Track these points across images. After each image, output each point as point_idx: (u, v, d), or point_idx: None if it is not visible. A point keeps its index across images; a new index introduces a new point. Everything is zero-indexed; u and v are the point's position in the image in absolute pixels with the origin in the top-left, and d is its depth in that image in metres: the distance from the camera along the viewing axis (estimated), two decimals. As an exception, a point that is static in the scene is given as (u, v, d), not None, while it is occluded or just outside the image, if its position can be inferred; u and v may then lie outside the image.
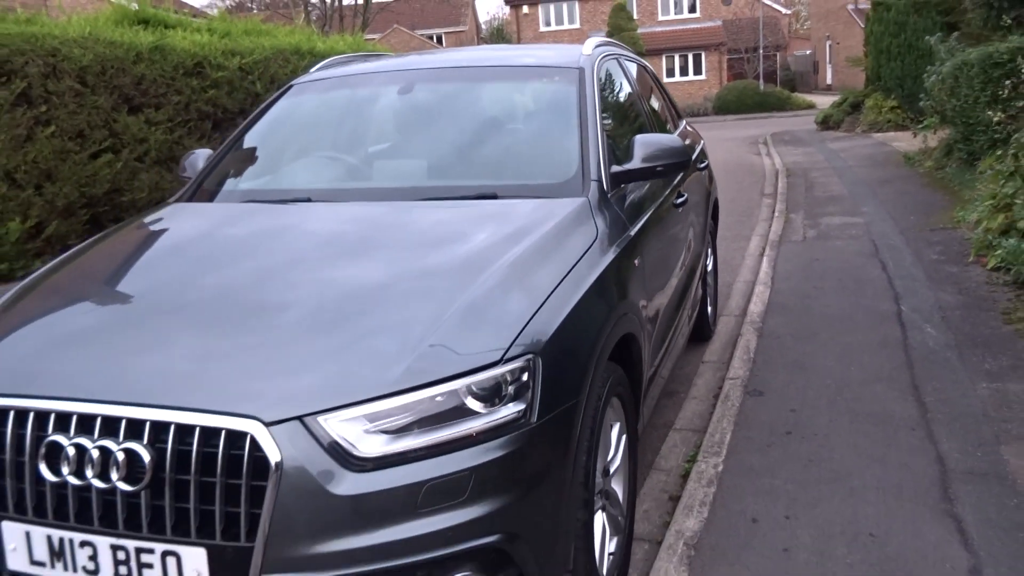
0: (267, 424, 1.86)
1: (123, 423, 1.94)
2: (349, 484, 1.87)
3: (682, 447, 3.67)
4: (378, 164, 3.35)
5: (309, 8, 24.27)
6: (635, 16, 36.08)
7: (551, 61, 3.58)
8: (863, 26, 36.44)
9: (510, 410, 2.02)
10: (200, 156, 3.67)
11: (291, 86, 3.85)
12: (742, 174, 13.25)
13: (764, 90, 32.32)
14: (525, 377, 2.06)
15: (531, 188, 2.95)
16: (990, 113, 8.34)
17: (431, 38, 47.23)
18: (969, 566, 2.52)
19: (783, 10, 49.10)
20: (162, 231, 3.04)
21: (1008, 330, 4.58)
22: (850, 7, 38.81)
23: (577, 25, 39.77)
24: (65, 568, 2.01)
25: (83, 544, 1.97)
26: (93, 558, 1.97)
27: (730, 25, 37.53)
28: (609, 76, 3.69)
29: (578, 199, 2.83)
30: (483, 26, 58.07)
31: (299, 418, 1.88)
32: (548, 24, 40.05)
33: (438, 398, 1.96)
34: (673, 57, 37.88)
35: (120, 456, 1.91)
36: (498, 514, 1.97)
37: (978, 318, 4.81)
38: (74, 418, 1.98)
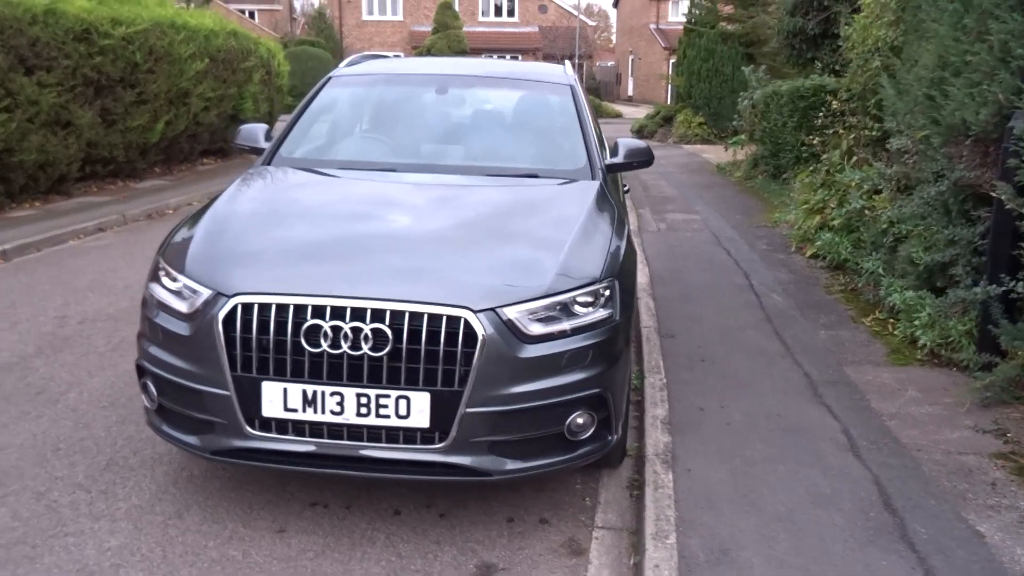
0: (475, 312, 2.92)
1: (368, 312, 2.91)
2: (522, 351, 2.96)
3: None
4: (436, 147, 4.36)
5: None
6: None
7: (548, 77, 4.75)
8: (664, 45, 40.06)
9: (604, 312, 3.18)
10: (258, 129, 4.50)
11: (330, 78, 4.75)
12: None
13: (577, 96, 34.69)
14: (609, 292, 3.23)
15: (558, 172, 4.12)
16: (800, 135, 10.36)
17: (243, 12, 46.12)
18: (840, 428, 3.98)
19: (589, 22, 52.27)
20: (301, 183, 3.96)
21: (830, 298, 6.28)
22: (652, 27, 42.30)
23: (400, 17, 40.50)
24: (315, 411, 2.94)
25: (333, 394, 2.92)
26: (340, 403, 2.93)
27: (547, 32, 39.82)
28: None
29: (595, 182, 4.04)
30: (296, 6, 56.95)
31: (492, 309, 2.95)
32: (371, 13, 40.45)
33: (566, 301, 3.09)
34: (492, 58, 39.53)
35: (368, 333, 2.89)
36: (600, 375, 3.14)
37: (807, 290, 6.51)
38: (328, 309, 2.92)
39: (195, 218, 3.63)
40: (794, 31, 12.34)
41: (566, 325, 3.06)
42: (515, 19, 40.80)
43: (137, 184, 11.81)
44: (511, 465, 3.03)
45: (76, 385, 4.58)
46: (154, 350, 3.18)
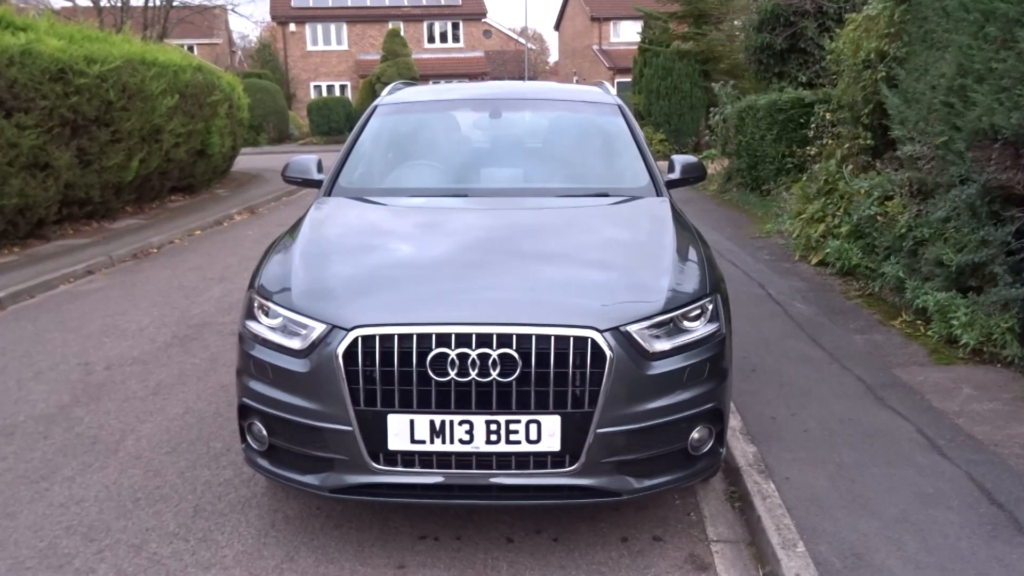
0: (600, 331, 2.92)
1: (494, 337, 2.88)
2: (647, 368, 2.97)
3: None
4: (499, 171, 4.36)
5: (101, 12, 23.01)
6: (402, 42, 37.53)
7: (593, 97, 4.80)
8: (608, 65, 40.71)
9: (713, 326, 3.21)
10: (309, 161, 4.46)
11: (376, 107, 4.72)
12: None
13: (528, 119, 35.02)
14: (713, 307, 3.27)
15: (624, 190, 4.16)
16: (780, 148, 10.62)
17: (182, 46, 45.49)
18: (915, 429, 4.06)
19: (530, 45, 52.83)
20: (379, 212, 3.95)
21: (851, 303, 6.43)
22: (595, 47, 42.94)
23: (345, 47, 40.38)
24: (443, 442, 2.90)
25: (462, 422, 2.89)
26: (469, 431, 2.89)
27: (495, 56, 40.15)
28: (626, 111, 4.99)
29: (664, 199, 4.09)
30: (237, 41, 56.43)
31: (617, 328, 2.95)
32: (316, 44, 40.27)
33: (678, 317, 3.12)
34: (440, 84, 39.73)
35: (496, 359, 2.86)
36: (715, 389, 3.16)
37: (826, 296, 6.65)
38: (452, 337, 2.89)
39: (280, 252, 3.56)
40: (761, 46, 12.71)
41: (682, 340, 3.08)
42: (460, 44, 41.03)
43: (112, 224, 11.52)
44: (637, 484, 3.02)
45: (129, 432, 4.43)
46: (262, 388, 3.11)
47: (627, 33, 41.70)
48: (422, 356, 2.87)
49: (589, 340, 2.89)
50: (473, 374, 2.86)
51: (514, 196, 4.07)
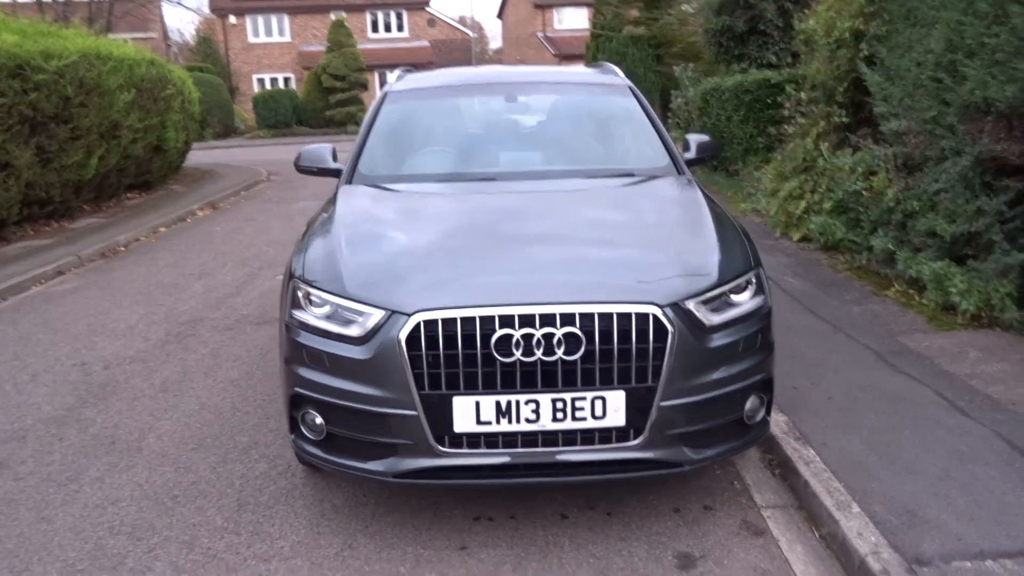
0: (661, 307, 2.95)
1: (557, 316, 2.89)
2: (706, 341, 3.02)
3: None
4: (522, 154, 4.36)
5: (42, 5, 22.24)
6: (346, 33, 37.07)
7: (604, 80, 4.82)
8: (553, 52, 40.81)
9: (760, 299, 3.27)
10: (323, 150, 4.40)
11: (387, 94, 4.67)
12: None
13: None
14: (757, 280, 3.32)
15: (647, 170, 4.19)
16: (748, 128, 10.79)
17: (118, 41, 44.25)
18: (934, 392, 4.19)
19: (471, 33, 52.62)
20: (412, 197, 3.94)
21: (840, 276, 6.59)
22: (539, 35, 43.00)
23: (288, 38, 39.75)
24: (510, 422, 2.91)
25: (528, 402, 2.90)
26: (535, 410, 2.91)
27: (442, 44, 39.93)
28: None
29: (688, 177, 4.14)
30: (172, 34, 55.02)
31: (676, 303, 2.98)
32: (257, 36, 39.56)
33: (729, 291, 3.17)
34: (385, 73, 39.34)
35: (561, 337, 2.87)
36: (765, 359, 3.23)
37: (815, 270, 6.80)
38: (515, 318, 2.89)
39: (319, 240, 3.50)
40: (721, 29, 12.88)
41: (734, 313, 3.13)
42: (405, 34, 40.71)
43: (72, 224, 11.18)
44: (696, 455, 3.07)
45: (148, 431, 4.33)
46: (318, 377, 3.06)
47: (571, 20, 41.88)
48: (486, 338, 2.87)
49: (651, 316, 2.92)
50: (538, 354, 2.86)
51: (541, 179, 4.07)
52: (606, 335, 2.89)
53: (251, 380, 5.03)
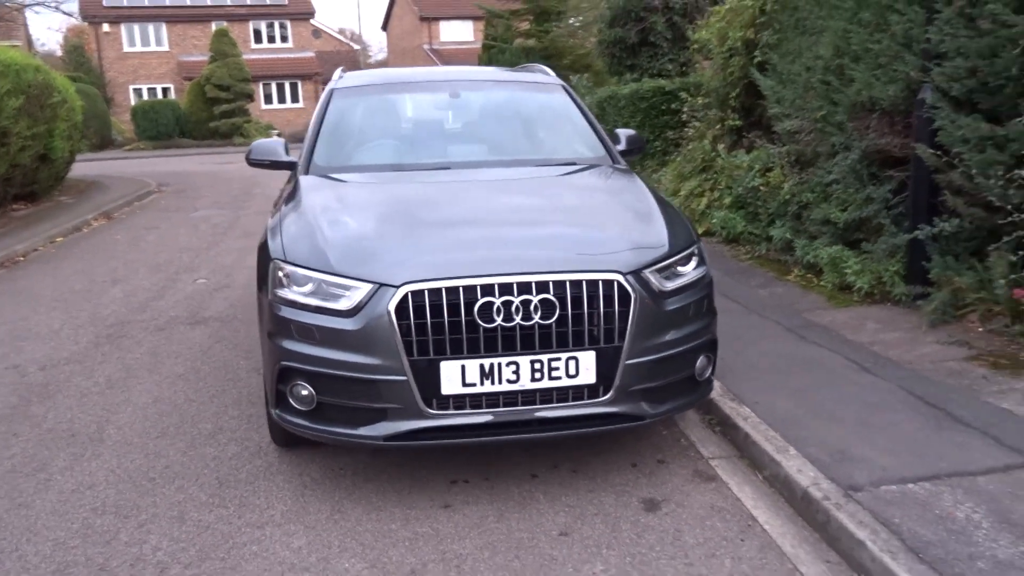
0: (624, 275, 3.29)
1: (533, 284, 3.19)
2: (662, 305, 3.38)
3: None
4: (472, 146, 4.62)
5: None
6: (228, 42, 36.27)
7: (539, 79, 5.16)
8: (440, 64, 41.11)
9: (703, 270, 3.66)
10: (275, 144, 4.56)
11: (333, 91, 4.85)
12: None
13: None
14: (699, 253, 3.72)
15: (588, 160, 4.55)
16: (644, 133, 11.38)
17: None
18: (843, 357, 4.71)
19: (354, 45, 52.34)
20: (375, 183, 4.14)
21: (745, 264, 7.16)
22: (425, 47, 43.26)
23: (166, 48, 38.51)
24: (492, 382, 3.19)
25: (509, 363, 3.18)
26: (516, 372, 3.19)
27: (330, 56, 39.55)
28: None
29: (625, 165, 4.52)
30: (35, 42, 52.27)
31: (635, 272, 3.33)
32: (133, 45, 38.14)
33: (676, 262, 3.54)
34: (270, 85, 38.78)
35: (537, 303, 3.17)
36: (710, 323, 3.63)
37: (721, 261, 7.34)
38: (495, 286, 3.16)
39: (292, 225, 3.65)
40: (614, 41, 13.50)
41: (683, 281, 3.51)
42: (290, 44, 40.11)
43: (-43, 236, 10.68)
44: (654, 409, 3.42)
45: (105, 423, 4.36)
46: (308, 350, 3.24)
47: (457, 33, 42.38)
48: (469, 305, 3.13)
49: (615, 283, 3.26)
50: (517, 319, 3.15)
51: (492, 167, 4.36)
52: (577, 300, 3.21)
53: (198, 375, 5.08)
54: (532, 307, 3.16)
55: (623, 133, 4.88)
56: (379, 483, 3.59)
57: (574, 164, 4.48)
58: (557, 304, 3.17)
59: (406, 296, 3.13)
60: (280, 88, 38.92)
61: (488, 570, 2.93)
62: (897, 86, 5.42)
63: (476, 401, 3.20)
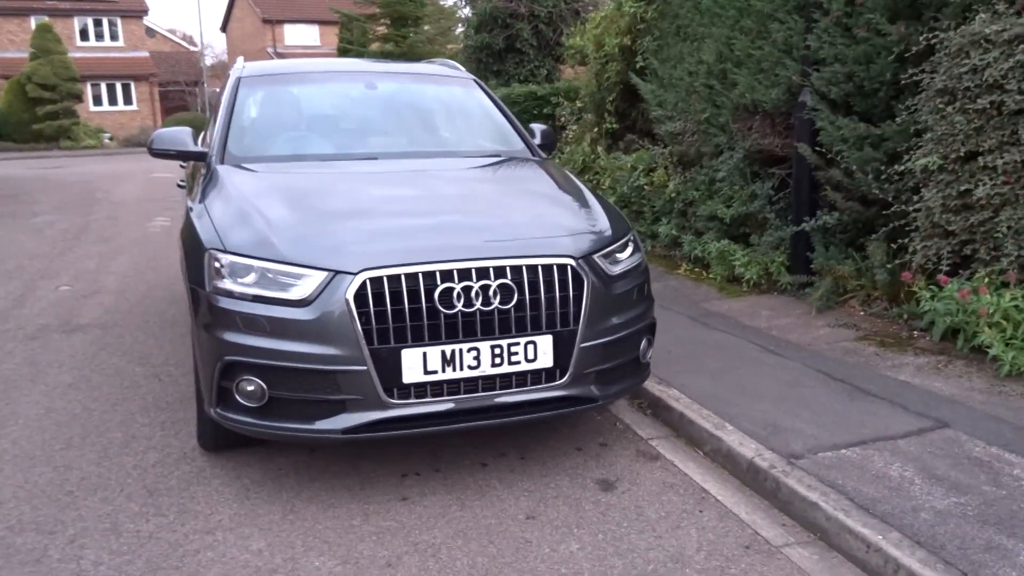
0: (576, 259, 3.35)
1: (491, 270, 3.19)
2: (611, 289, 3.47)
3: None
4: (394, 138, 4.53)
5: None
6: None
7: (452, 73, 5.15)
8: (284, 69, 40.04)
9: (639, 256, 3.79)
10: (182, 133, 4.31)
11: (240, 79, 4.64)
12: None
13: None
14: (634, 240, 3.84)
15: (510, 152, 4.59)
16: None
17: None
18: (748, 341, 4.98)
19: (191, 47, 50.12)
20: (307, 173, 3.99)
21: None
22: (269, 49, 42.01)
23: (-23, 43, 35.35)
24: (454, 369, 3.17)
25: (470, 350, 3.17)
26: (477, 357, 3.18)
27: (167, 57, 37.59)
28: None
29: (547, 158, 4.59)
30: None
31: (586, 256, 3.40)
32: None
33: (617, 248, 3.65)
34: (100, 85, 36.42)
35: (496, 289, 3.18)
36: (650, 307, 3.77)
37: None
38: (454, 272, 3.15)
39: (226, 215, 3.45)
40: (480, 46, 13.66)
41: (625, 267, 3.62)
42: (121, 43, 37.73)
43: None
44: (605, 392, 3.50)
45: (1, 436, 3.97)
46: (257, 342, 3.09)
47: (303, 36, 41.46)
48: (429, 292, 3.09)
49: (569, 267, 3.31)
50: (477, 304, 3.14)
51: (417, 158, 4.30)
52: (533, 285, 3.24)
53: (90, 383, 4.72)
54: (491, 292, 3.15)
55: (537, 128, 4.95)
56: (326, 481, 3.47)
57: (498, 156, 4.51)
58: (515, 289, 3.19)
59: (364, 283, 3.05)
60: (111, 89, 36.59)
61: (465, 556, 2.90)
62: (779, 90, 5.80)
63: (437, 389, 3.16)
